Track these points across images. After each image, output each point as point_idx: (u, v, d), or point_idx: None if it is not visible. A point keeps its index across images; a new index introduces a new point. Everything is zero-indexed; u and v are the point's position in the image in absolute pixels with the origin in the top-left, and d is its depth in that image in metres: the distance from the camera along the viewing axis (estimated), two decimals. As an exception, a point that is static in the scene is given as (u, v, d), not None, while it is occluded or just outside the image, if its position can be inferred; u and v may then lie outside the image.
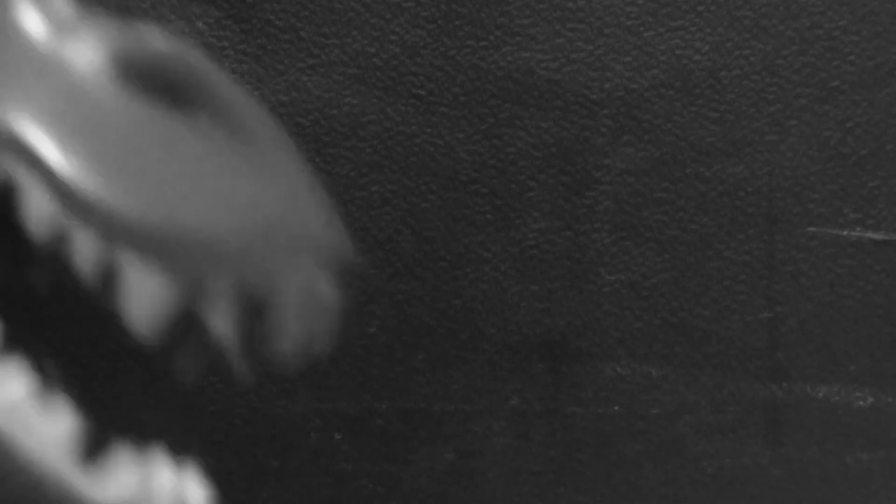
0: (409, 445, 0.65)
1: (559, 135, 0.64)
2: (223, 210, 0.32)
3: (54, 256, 0.32)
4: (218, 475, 0.39)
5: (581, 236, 0.64)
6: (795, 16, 0.64)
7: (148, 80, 0.33)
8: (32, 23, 0.33)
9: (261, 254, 0.32)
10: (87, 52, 0.33)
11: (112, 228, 0.31)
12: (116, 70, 0.33)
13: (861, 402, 0.65)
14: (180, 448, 0.36)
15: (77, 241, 0.31)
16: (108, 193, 0.31)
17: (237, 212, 0.32)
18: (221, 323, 0.32)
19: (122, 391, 0.63)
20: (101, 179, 0.31)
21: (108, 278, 0.32)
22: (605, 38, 0.64)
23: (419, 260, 0.64)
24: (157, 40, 0.33)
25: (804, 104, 0.64)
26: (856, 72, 0.64)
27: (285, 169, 0.33)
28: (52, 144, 0.31)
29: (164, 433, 0.40)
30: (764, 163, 0.64)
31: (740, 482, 0.65)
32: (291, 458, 0.64)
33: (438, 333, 0.64)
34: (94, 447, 0.34)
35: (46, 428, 0.33)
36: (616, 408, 0.64)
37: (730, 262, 0.64)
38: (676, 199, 0.64)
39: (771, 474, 0.65)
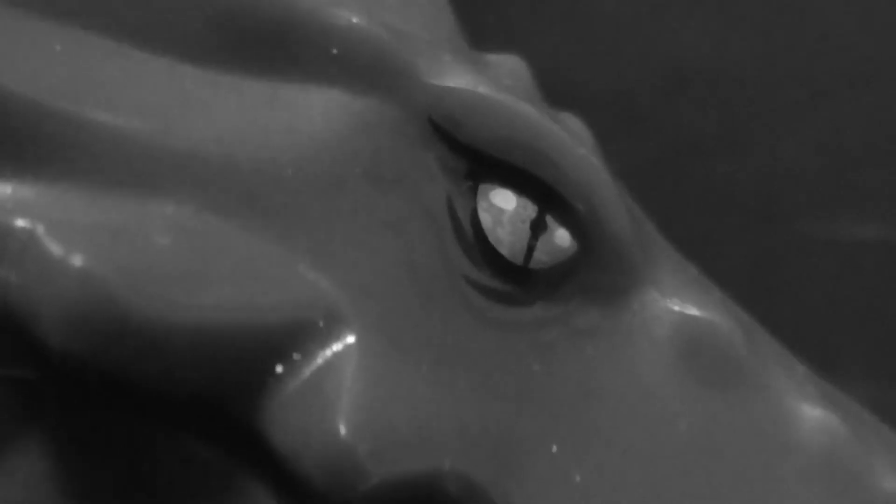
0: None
1: (554, 132, 0.64)
2: None
3: None
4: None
5: (576, 233, 0.64)
6: (791, 14, 0.64)
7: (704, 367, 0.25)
8: None
9: None
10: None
11: None
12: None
13: (858, 401, 0.65)
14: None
15: None
16: None
17: None
18: None
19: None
20: None
21: None
22: (600, 35, 0.64)
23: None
24: (721, 323, 0.25)
25: (800, 103, 0.64)
26: (852, 70, 0.64)
27: None
28: None
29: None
30: (759, 161, 0.64)
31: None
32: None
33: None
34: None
35: None
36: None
37: (725, 259, 0.64)
38: (671, 196, 0.64)
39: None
